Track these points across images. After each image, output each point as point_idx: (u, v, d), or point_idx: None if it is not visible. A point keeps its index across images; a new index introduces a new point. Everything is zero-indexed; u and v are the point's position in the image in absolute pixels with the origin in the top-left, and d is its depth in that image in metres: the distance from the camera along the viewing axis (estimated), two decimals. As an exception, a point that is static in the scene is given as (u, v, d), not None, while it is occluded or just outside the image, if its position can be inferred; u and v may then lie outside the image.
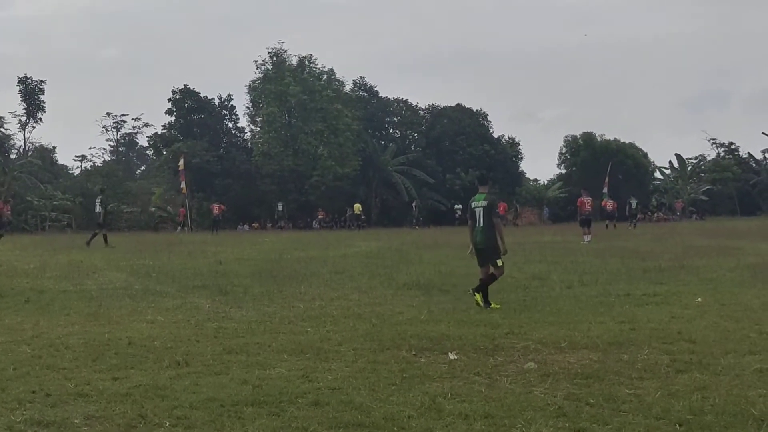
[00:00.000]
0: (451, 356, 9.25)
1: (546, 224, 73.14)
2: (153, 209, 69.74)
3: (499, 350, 9.66)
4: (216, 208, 56.58)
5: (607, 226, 48.38)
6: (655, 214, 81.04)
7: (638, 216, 60.35)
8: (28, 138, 76.22)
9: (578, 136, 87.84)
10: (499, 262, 13.90)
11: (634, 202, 56.48)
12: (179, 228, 59.81)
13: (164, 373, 8.55)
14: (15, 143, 76.14)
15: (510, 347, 9.81)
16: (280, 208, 68.16)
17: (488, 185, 14.71)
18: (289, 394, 7.50)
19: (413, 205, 70.62)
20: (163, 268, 21.65)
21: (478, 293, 13.67)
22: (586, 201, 37.02)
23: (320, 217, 69.90)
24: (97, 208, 35.10)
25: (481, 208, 14.02)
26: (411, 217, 68.97)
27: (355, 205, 66.23)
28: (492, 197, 14.29)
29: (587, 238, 33.96)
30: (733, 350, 9.43)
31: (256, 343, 10.26)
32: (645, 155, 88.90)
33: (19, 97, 70.34)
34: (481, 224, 13.95)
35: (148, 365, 8.97)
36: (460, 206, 72.89)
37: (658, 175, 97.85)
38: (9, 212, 37.88)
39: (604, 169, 59.90)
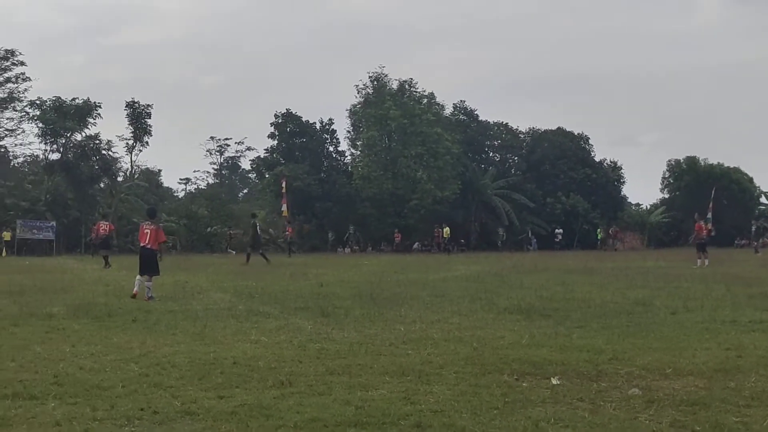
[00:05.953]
0: (554, 381, 9.17)
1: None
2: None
3: (602, 376, 9.53)
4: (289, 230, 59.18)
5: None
6: (761, 240, 78.72)
7: None
8: (135, 161, 77.80)
9: (681, 161, 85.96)
10: None
11: None
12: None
13: (268, 392, 8.68)
14: (122, 166, 77.69)
15: (614, 373, 9.67)
16: (351, 230, 70.44)
17: None
18: (391, 416, 7.54)
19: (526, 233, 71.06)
20: (265, 290, 21.98)
21: None
22: (704, 226, 37.61)
23: (396, 240, 70.09)
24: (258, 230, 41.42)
25: None
26: (527, 243, 69.70)
27: (444, 229, 66.68)
28: None
29: (704, 262, 33.99)
30: None
31: (358, 364, 10.33)
32: (750, 180, 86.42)
33: (126, 121, 71.87)
34: None
35: (252, 384, 9.11)
36: (561, 230, 72.25)
37: (763, 200, 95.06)
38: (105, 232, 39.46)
39: (708, 194, 58.66)
